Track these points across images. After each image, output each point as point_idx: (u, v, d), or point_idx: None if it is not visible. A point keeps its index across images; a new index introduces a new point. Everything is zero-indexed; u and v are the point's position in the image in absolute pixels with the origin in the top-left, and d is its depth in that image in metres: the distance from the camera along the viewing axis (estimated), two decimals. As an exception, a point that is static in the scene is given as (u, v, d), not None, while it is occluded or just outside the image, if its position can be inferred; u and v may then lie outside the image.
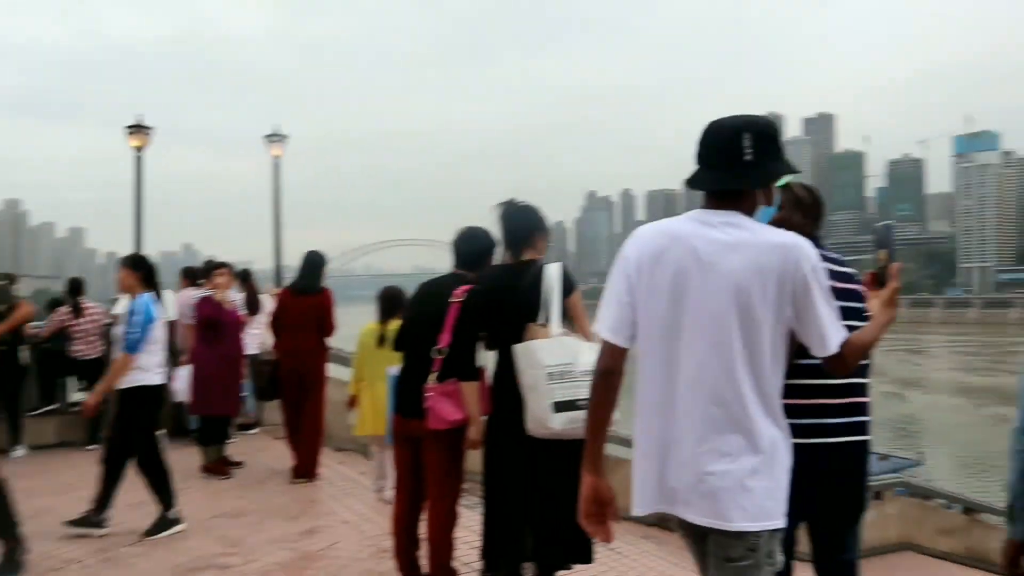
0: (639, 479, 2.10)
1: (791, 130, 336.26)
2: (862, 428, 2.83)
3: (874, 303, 2.16)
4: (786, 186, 2.88)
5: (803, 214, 2.84)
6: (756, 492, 1.97)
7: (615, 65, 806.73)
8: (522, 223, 3.59)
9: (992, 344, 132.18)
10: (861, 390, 2.84)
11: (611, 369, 2.10)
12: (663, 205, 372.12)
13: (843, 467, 2.78)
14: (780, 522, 2.00)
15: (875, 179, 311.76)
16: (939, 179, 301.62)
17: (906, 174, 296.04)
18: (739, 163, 2.04)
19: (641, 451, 2.10)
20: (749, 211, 2.08)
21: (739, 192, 2.07)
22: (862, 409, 2.84)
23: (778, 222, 2.55)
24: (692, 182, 2.13)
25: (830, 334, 2.03)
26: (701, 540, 2.09)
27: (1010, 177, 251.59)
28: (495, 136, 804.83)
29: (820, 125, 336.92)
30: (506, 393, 3.39)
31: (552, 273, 3.43)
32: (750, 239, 2.01)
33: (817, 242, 2.77)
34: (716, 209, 2.07)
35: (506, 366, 3.39)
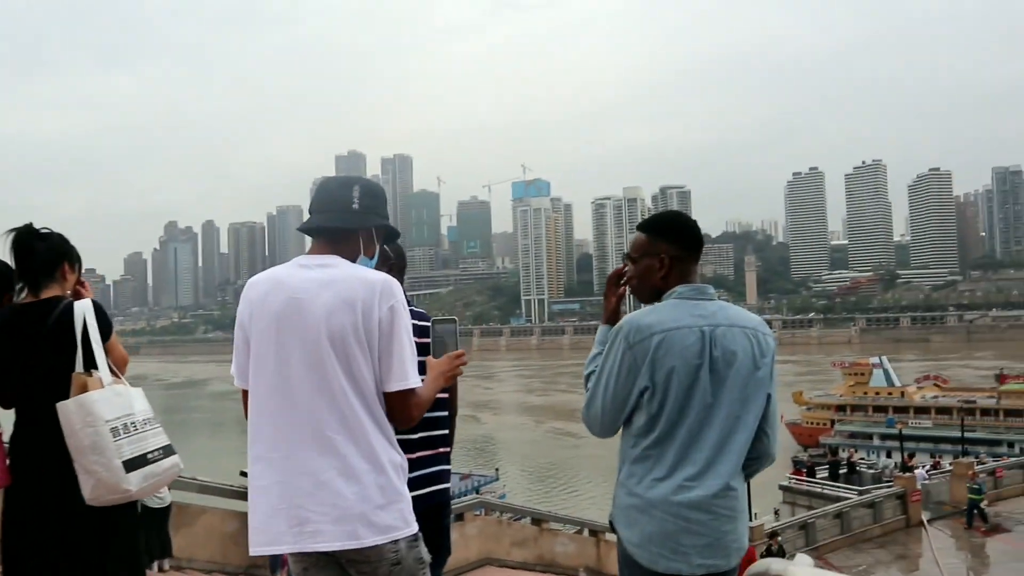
0: (260, 517, 2.17)
1: (371, 169, 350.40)
2: (441, 477, 2.99)
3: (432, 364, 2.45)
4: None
5: (389, 268, 2.85)
6: (385, 510, 2.14)
7: (193, 92, 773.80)
8: (42, 253, 2.93)
9: (548, 367, 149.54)
10: (441, 441, 2.99)
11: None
12: (247, 238, 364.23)
13: (427, 515, 2.72)
14: (413, 528, 2.20)
15: (448, 218, 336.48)
16: (503, 220, 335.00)
17: (475, 215, 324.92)
18: (348, 210, 2.33)
19: (261, 488, 2.17)
20: (350, 258, 2.31)
21: (343, 238, 2.33)
22: (440, 459, 3.00)
23: None
24: (304, 226, 2.34)
25: (410, 368, 2.22)
26: (335, 570, 2.21)
27: (558, 220, 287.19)
28: (65, 154, 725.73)
29: (398, 165, 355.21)
30: (32, 460, 2.76)
31: (83, 312, 2.84)
32: (341, 275, 2.22)
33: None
34: (317, 253, 2.30)
35: (31, 426, 2.77)
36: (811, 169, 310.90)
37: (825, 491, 27.97)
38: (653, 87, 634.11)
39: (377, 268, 2.71)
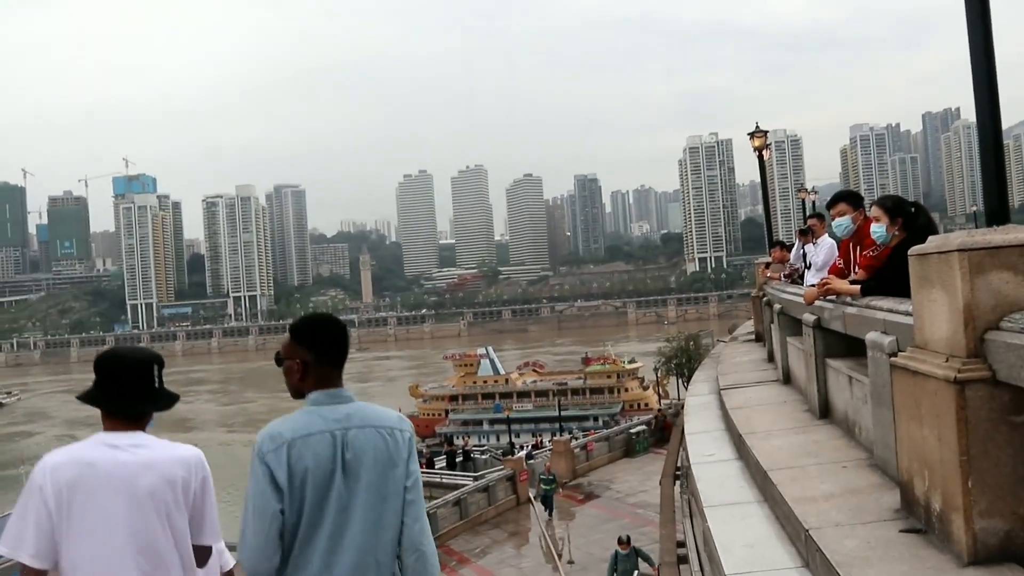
0: None
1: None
2: None
3: None
4: None
5: None
6: None
7: None
8: None
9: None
10: None
11: None
12: None
13: None
14: None
15: (37, 215, 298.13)
16: (103, 218, 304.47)
17: (69, 212, 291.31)
18: (152, 391, 2.67)
19: None
20: (145, 427, 2.65)
21: (146, 416, 2.68)
22: None
23: None
24: (103, 402, 2.61)
25: (217, 528, 2.74)
26: None
27: (166, 219, 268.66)
28: None
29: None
30: None
31: None
32: (159, 457, 2.58)
33: None
34: (121, 431, 2.60)
35: None
36: (420, 172, 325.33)
37: (444, 480, 29.36)
38: (267, 88, 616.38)
39: None
